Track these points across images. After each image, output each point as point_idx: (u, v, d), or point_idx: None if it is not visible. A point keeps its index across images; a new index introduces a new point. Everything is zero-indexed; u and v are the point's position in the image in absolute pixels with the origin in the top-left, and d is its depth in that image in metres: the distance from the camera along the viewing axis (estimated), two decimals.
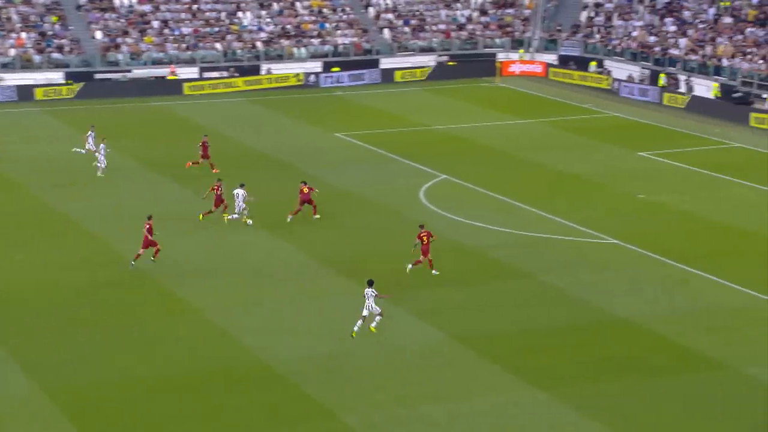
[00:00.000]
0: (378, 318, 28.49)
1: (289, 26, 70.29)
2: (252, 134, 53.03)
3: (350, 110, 60.07)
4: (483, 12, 74.04)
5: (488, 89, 66.86)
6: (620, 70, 66.27)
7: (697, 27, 64.83)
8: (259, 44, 68.26)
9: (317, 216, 38.29)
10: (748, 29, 61.88)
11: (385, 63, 69.25)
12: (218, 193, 38.08)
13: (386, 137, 52.66)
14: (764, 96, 56.94)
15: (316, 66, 67.94)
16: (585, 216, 39.20)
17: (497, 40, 72.01)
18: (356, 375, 26.51)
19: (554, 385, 25.78)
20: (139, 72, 64.70)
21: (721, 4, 65.25)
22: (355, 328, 28.34)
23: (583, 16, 72.02)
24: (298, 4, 72.40)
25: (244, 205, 37.77)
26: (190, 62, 65.95)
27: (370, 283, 28.53)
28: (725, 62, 60.48)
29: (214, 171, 44.79)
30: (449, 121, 56.71)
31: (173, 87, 63.56)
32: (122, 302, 31.20)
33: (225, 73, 65.79)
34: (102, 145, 44.86)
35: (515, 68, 70.35)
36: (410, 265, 33.21)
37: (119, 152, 48.00)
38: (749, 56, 59.61)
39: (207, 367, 27.00)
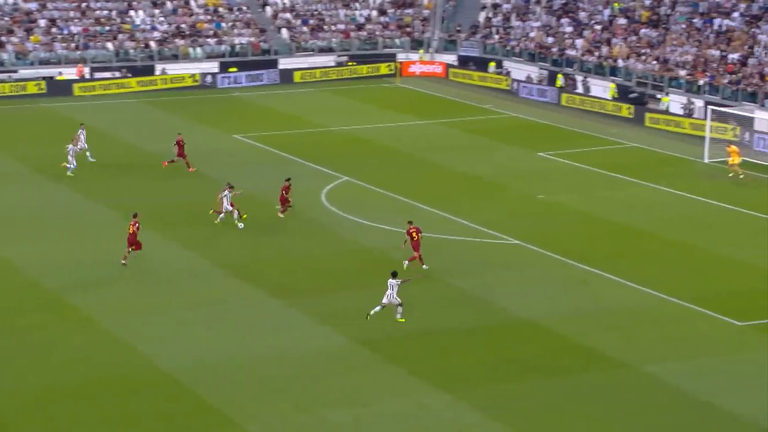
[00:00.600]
0: (400, 309, 29.61)
1: (183, 25, 69.39)
2: (146, 136, 52.16)
3: (249, 111, 59.62)
4: (382, 12, 74.38)
5: (388, 90, 67.16)
6: (519, 70, 67.36)
7: (592, 28, 66.32)
8: (152, 44, 67.21)
9: (282, 216, 38.80)
10: (642, 30, 63.59)
11: (284, 63, 68.96)
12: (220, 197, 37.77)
13: (286, 139, 52.43)
14: (658, 96, 58.60)
15: (213, 66, 67.25)
16: (487, 217, 39.69)
17: (397, 41, 72.42)
18: (258, 382, 26.29)
19: (459, 387, 26.01)
20: (25, 72, 63.00)
21: (615, 5, 66.89)
22: (372, 312, 29.51)
23: (482, 16, 72.97)
24: (192, 2, 71.57)
25: (231, 207, 37.65)
26: (80, 62, 64.52)
27: (394, 275, 29.64)
28: (621, 63, 62.03)
29: (190, 170, 44.79)
30: (350, 122, 56.77)
31: (62, 88, 62.08)
32: (10, 309, 30.33)
33: (117, 74, 64.58)
34: (70, 146, 44.47)
35: (415, 69, 70.87)
36: (406, 262, 33.76)
37: (4, 156, 46.62)
38: (643, 57, 61.25)
39: (102, 375, 26.45)
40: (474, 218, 39.50)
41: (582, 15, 68.06)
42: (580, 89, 62.62)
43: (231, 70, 66.89)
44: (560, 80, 63.20)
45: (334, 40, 71.24)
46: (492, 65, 68.61)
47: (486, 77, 67.45)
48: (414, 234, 33.70)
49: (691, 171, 46.97)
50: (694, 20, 61.65)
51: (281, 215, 39.08)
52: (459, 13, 74.36)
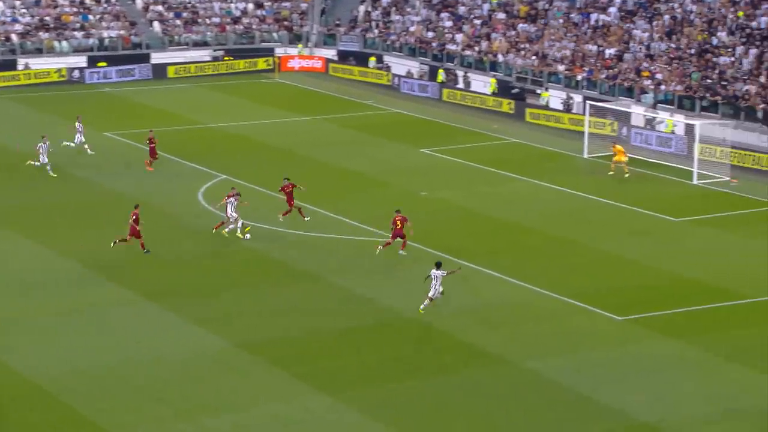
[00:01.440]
0: (427, 302, 30.06)
1: (48, 18, 67.58)
2: (8, 134, 50.65)
3: (120, 108, 58.51)
4: (259, 5, 73.95)
5: (267, 85, 66.86)
6: (400, 65, 67.92)
7: (472, 23, 67.37)
8: (14, 37, 65.25)
9: (307, 218, 38.24)
10: (520, 25, 64.91)
11: (157, 58, 67.91)
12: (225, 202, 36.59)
13: (161, 136, 51.60)
14: (538, 91, 59.92)
15: (80, 61, 65.73)
16: (369, 215, 39.94)
17: (275, 35, 72.13)
18: (134, 389, 25.88)
19: (341, 388, 26.15)
20: None
21: (492, 0, 68.11)
22: (422, 308, 30.05)
23: (361, 10, 73.30)
24: None
25: (236, 215, 36.31)
26: None
27: (438, 265, 30.04)
28: (500, 58, 63.19)
29: (148, 169, 44.64)
30: (228, 119, 56.32)
31: None
32: None
33: None
34: (43, 145, 43.93)
35: (294, 63, 70.73)
36: (380, 247, 34.25)
37: None
38: (522, 52, 62.56)
39: None
40: (356, 216, 39.68)
41: (462, 9, 69.04)
42: (461, 84, 63.54)
43: (100, 64, 65.50)
44: (441, 75, 64.00)
45: (209, 33, 70.48)
46: (372, 60, 68.99)
47: (366, 72, 67.78)
48: (399, 223, 34.50)
49: (571, 166, 48.22)
50: (572, 15, 63.26)
51: (281, 217, 38.17)
52: (338, 7, 74.52)
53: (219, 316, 30.46)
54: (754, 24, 54.84)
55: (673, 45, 56.67)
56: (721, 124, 49.06)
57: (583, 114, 52.32)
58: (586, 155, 49.53)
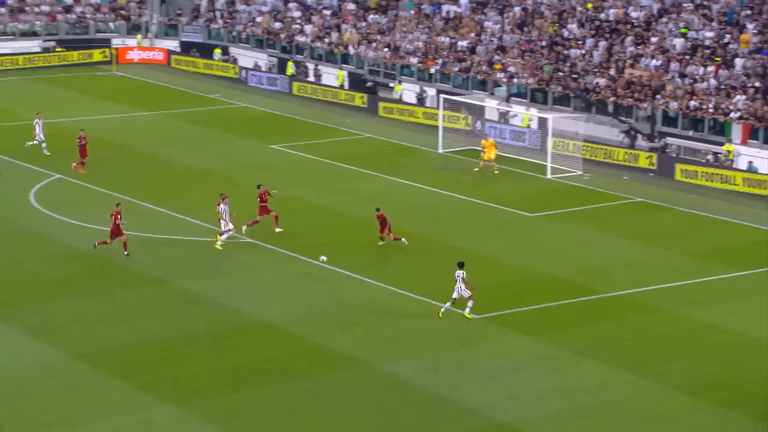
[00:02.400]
0: (470, 303, 29.94)
1: None
2: None
3: None
4: None
5: (104, 78, 65.43)
6: (247, 57, 67.53)
7: (321, 13, 67.50)
8: None
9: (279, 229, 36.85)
10: (371, 16, 65.44)
11: None
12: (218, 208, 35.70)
13: None
14: (391, 85, 60.53)
15: None
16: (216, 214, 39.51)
17: (111, 25, 70.62)
18: None
19: (189, 398, 25.84)
20: None
21: None
22: (443, 309, 30.00)
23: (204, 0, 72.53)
24: None
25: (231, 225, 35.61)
26: None
27: (461, 265, 29.79)
28: (352, 50, 63.55)
29: (73, 166, 43.92)
30: (61, 114, 54.85)
31: None
32: None
33: None
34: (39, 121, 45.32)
35: (133, 55, 69.40)
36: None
37: None
38: (374, 44, 63.08)
39: None
40: (203, 216, 39.25)
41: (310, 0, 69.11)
42: (311, 78, 63.58)
43: None
44: (291, 68, 63.91)
45: (38, 23, 68.38)
46: (217, 52, 68.34)
47: (212, 65, 67.12)
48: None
49: (426, 161, 48.92)
50: (423, 6, 64.13)
51: (278, 229, 37.07)
52: None
53: (52, 325, 29.64)
54: (603, 16, 56.83)
55: (524, 37, 58.20)
56: (574, 117, 50.68)
57: (437, 108, 53.17)
58: (440, 150, 50.34)
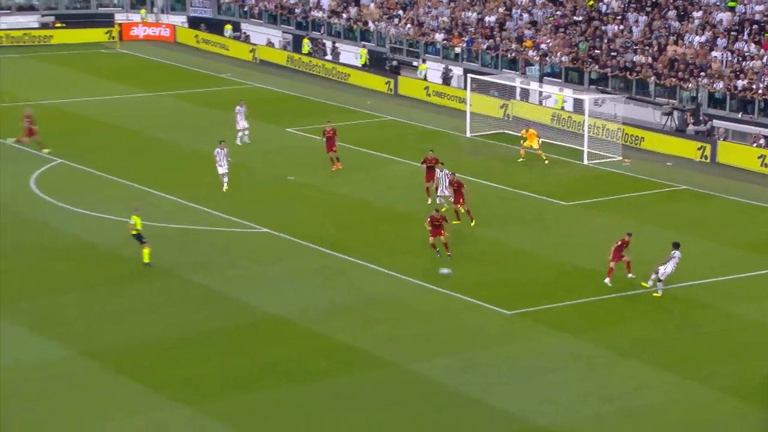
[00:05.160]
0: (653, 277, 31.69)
1: None
2: None
3: None
4: None
5: (107, 57, 65.69)
6: (259, 34, 67.65)
7: None
8: None
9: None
10: None
11: None
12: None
13: None
14: (414, 63, 60.48)
15: None
16: (231, 203, 39.76)
17: None
18: None
19: (202, 398, 26.04)
20: None
21: None
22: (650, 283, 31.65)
23: None
24: None
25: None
26: None
27: (676, 245, 31.62)
28: (372, 26, 63.55)
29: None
30: (62, 95, 55.15)
31: None
32: None
33: None
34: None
35: (138, 32, 69.64)
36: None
37: None
38: (396, 20, 63.05)
39: None
40: (216, 205, 39.45)
41: None
42: (329, 56, 63.67)
43: None
44: (307, 46, 64.00)
45: None
46: (228, 28, 68.51)
47: (223, 43, 67.25)
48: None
49: (454, 146, 48.92)
50: None
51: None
52: None
53: (60, 321, 29.89)
54: None
55: (558, 12, 58.08)
56: (612, 98, 50.58)
57: (464, 89, 53.12)
58: (468, 134, 50.34)
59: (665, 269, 31.82)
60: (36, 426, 24.71)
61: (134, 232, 33.36)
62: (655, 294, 31.75)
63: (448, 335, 29.78)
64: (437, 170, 38.82)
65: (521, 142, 46.41)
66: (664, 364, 28.14)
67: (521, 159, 46.08)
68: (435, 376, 27.34)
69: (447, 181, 37.77)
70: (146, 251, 33.27)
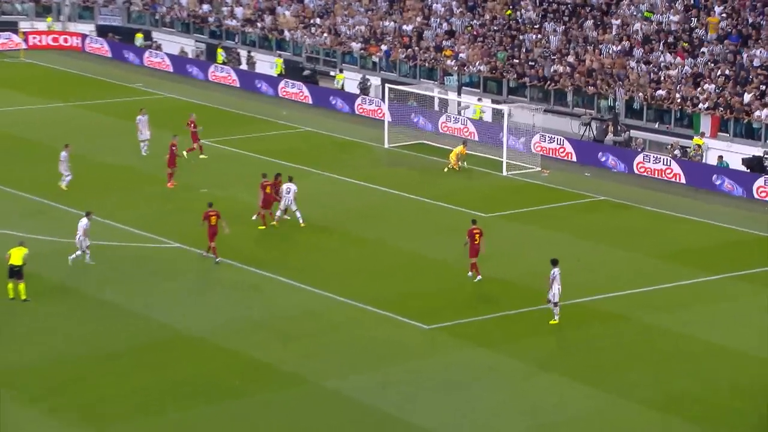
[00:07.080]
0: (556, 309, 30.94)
1: None
2: None
3: None
4: None
5: (10, 66, 64.61)
6: (171, 43, 67.01)
7: None
8: None
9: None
10: None
11: None
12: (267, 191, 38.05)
13: None
14: (331, 73, 60.38)
15: None
16: (139, 216, 39.26)
17: (18, 6, 69.81)
18: None
19: (108, 421, 25.60)
20: None
21: None
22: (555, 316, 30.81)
23: None
24: None
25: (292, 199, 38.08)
26: None
27: (555, 262, 30.94)
28: (288, 35, 63.30)
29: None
30: None
31: None
32: None
33: None
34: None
35: (44, 40, 68.62)
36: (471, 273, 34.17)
37: None
38: (312, 28, 62.86)
39: None
40: (124, 218, 38.89)
41: None
42: (244, 66, 63.29)
43: None
44: (221, 55, 63.56)
45: None
46: (139, 37, 67.77)
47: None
48: (477, 236, 33.78)
49: (371, 157, 48.86)
50: None
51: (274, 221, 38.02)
52: None
53: None
54: None
55: (476, 21, 58.40)
56: (532, 109, 50.95)
57: (382, 99, 53.13)
58: (387, 145, 50.34)
59: (553, 292, 31.09)
60: None
61: (16, 266, 31.43)
62: (552, 321, 31.19)
63: (365, 351, 29.64)
64: (283, 186, 38.72)
65: (454, 155, 46.46)
66: (583, 376, 28.30)
67: (446, 169, 46.27)
68: (352, 394, 27.18)
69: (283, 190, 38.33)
70: (22, 287, 31.70)
